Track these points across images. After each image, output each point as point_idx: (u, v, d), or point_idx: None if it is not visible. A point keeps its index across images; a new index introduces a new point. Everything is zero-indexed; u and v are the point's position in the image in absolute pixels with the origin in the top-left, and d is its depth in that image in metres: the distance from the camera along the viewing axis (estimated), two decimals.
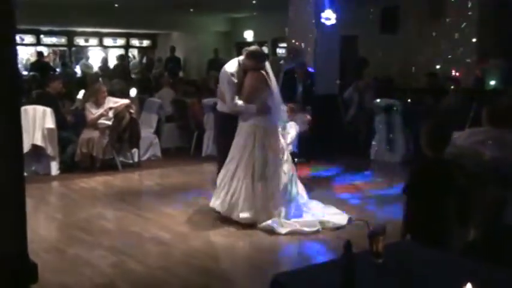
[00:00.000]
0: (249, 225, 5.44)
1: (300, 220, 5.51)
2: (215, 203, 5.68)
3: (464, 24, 10.48)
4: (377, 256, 2.38)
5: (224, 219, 5.60)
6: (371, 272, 2.34)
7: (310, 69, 9.23)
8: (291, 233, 5.27)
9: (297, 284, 2.26)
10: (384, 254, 2.39)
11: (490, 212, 3.78)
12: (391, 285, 2.25)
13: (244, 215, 5.46)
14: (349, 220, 5.58)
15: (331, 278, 2.17)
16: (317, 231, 5.33)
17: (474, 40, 10.44)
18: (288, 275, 2.42)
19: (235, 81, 5.69)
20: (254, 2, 13.33)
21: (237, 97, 5.64)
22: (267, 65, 5.82)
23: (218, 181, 5.73)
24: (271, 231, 5.29)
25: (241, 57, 5.81)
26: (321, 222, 5.46)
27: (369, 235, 2.39)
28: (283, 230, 5.28)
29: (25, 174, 7.55)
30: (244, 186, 5.51)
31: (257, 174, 5.51)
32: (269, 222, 5.36)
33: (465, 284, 2.02)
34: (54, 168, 7.97)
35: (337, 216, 5.65)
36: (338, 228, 5.41)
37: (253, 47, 6.01)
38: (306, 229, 5.33)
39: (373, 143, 9.30)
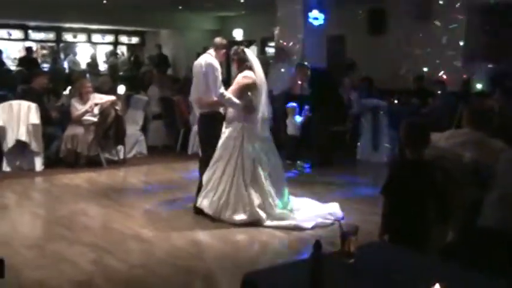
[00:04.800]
0: (235, 224, 5.44)
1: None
2: (202, 202, 5.66)
3: (452, 26, 10.53)
4: (348, 256, 2.40)
5: (208, 218, 5.58)
6: (341, 272, 2.36)
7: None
8: (316, 226, 5.41)
9: (268, 282, 2.27)
10: (355, 254, 2.40)
11: (468, 215, 3.80)
12: (359, 285, 2.27)
13: (239, 217, 5.48)
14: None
15: (302, 276, 2.18)
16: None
17: (461, 43, 10.49)
18: (259, 274, 2.43)
19: (219, 70, 5.70)
20: (242, 1, 13.32)
21: (223, 87, 5.62)
22: (252, 60, 5.71)
23: (204, 180, 5.70)
24: (296, 228, 5.38)
25: (211, 51, 5.85)
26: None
27: (341, 235, 2.41)
28: (309, 225, 5.39)
29: (9, 169, 7.71)
30: (235, 187, 5.51)
31: (248, 175, 5.52)
32: (286, 222, 5.46)
33: (433, 285, 2.04)
34: (39, 163, 7.95)
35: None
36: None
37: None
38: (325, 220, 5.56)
39: (359, 143, 9.34)
